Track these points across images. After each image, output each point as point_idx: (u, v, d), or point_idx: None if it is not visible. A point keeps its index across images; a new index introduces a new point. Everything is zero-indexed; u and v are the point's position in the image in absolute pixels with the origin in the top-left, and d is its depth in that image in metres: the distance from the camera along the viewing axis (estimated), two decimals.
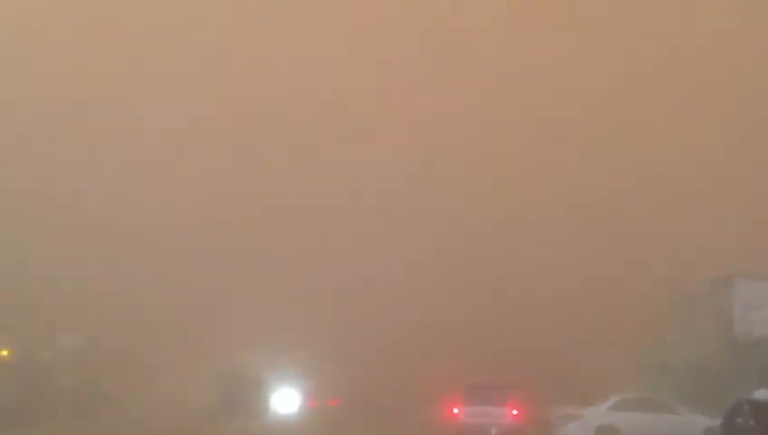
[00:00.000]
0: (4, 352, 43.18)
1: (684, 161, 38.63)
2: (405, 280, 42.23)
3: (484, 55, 43.77)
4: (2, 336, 41.65)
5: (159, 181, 43.95)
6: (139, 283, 41.50)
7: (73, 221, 43.36)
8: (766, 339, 27.55)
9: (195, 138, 44.32)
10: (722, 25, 39.98)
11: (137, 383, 38.49)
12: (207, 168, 44.11)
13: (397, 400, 45.36)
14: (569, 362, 34.62)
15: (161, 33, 44.28)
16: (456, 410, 26.94)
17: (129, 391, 36.92)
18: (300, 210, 43.87)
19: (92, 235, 43.25)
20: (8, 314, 39.86)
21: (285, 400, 54.07)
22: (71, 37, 44.51)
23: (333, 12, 44.96)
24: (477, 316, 39.84)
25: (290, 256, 43.09)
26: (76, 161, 44.28)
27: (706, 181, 38.88)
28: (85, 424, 26.19)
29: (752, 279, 29.47)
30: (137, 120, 44.18)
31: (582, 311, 36.30)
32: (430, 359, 39.97)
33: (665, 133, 40.16)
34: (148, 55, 44.68)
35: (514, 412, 26.31)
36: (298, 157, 43.99)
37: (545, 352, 35.70)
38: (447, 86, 43.54)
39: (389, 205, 43.68)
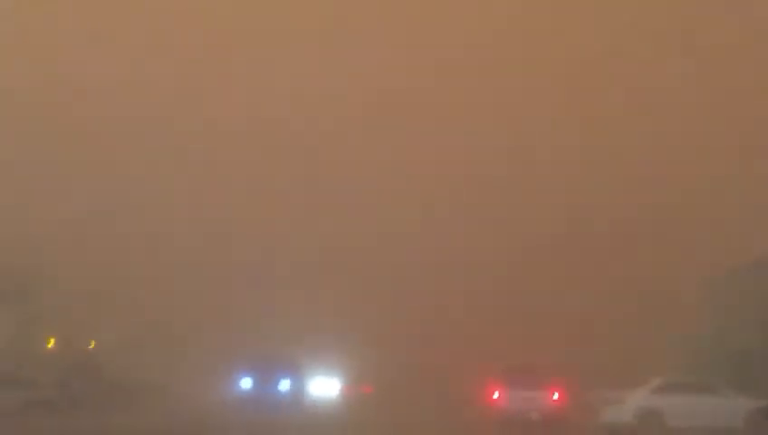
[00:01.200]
0: (51, 342, 44.08)
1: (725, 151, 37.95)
2: (445, 262, 42.24)
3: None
4: (50, 325, 42.51)
5: (215, 175, 44.33)
6: (184, 273, 42.03)
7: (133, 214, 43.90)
8: None
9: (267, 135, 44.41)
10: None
11: (181, 372, 39.04)
12: (263, 164, 44.35)
13: (436, 384, 45.56)
14: (611, 344, 34.36)
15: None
16: (496, 394, 26.81)
17: (174, 380, 37.43)
18: (340, 204, 44.00)
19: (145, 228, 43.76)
20: (57, 303, 40.62)
21: (324, 386, 54.69)
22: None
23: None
24: (517, 299, 39.71)
25: (330, 246, 43.33)
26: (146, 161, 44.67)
27: (749, 167, 38.18)
28: (130, 413, 26.59)
29: None
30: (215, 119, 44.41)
31: (624, 293, 35.97)
32: (471, 342, 39.96)
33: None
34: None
35: (555, 396, 26.08)
36: (344, 149, 44.03)
37: (585, 335, 35.49)
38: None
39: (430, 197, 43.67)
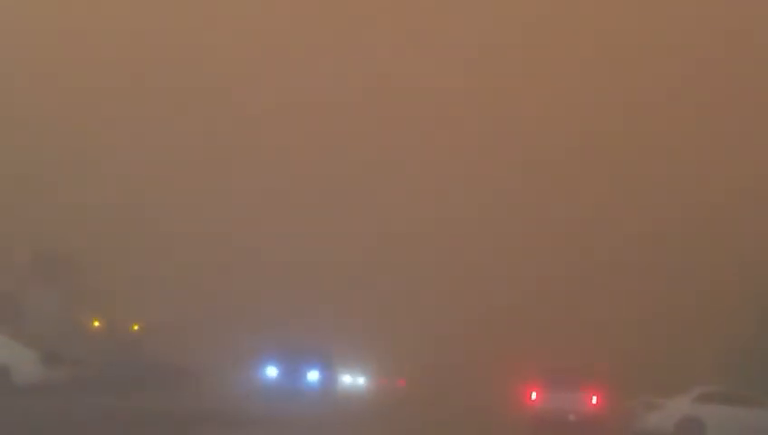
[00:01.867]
0: (96, 323, 44.97)
1: None
2: (485, 264, 42.10)
3: None
4: (96, 307, 43.36)
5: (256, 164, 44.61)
6: (226, 266, 42.48)
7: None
8: None
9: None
10: None
11: (220, 358, 39.51)
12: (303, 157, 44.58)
13: (474, 384, 45.43)
14: (651, 350, 33.95)
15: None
16: (533, 395, 26.67)
17: (211, 366, 37.85)
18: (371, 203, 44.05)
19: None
20: (103, 286, 41.35)
21: (354, 378, 54.70)
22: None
23: None
24: (557, 302, 39.44)
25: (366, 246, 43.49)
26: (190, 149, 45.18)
27: None
28: (170, 395, 26.99)
29: None
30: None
31: (666, 300, 35.50)
32: (510, 344, 39.80)
33: None
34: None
35: (594, 399, 25.85)
36: (380, 146, 44.08)
37: (626, 339, 35.11)
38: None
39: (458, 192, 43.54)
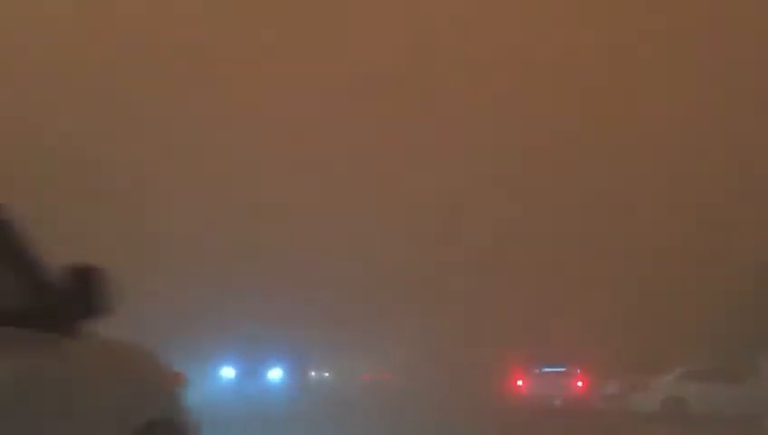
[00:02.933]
0: None
1: None
2: (467, 250, 42.28)
3: None
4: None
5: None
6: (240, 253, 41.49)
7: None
8: None
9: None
10: None
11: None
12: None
13: (461, 372, 45.67)
14: (635, 332, 34.34)
15: None
16: (519, 382, 26.96)
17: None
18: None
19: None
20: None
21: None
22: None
23: None
24: (539, 287, 39.71)
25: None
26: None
27: None
28: None
29: None
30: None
31: (651, 283, 35.83)
32: (494, 330, 40.07)
33: None
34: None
35: (579, 383, 26.20)
36: (394, 134, 43.66)
37: (610, 322, 35.47)
38: None
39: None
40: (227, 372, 26.80)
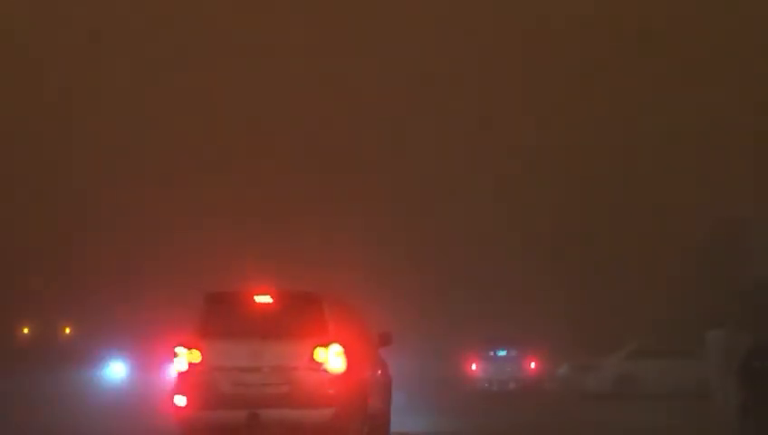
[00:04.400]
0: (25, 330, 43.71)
1: None
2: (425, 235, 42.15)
3: None
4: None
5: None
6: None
7: None
8: None
9: None
10: None
11: None
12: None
13: (414, 357, 45.60)
14: (583, 311, 34.65)
15: None
16: (473, 366, 27.00)
17: None
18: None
19: None
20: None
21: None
22: None
23: None
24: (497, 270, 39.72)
25: None
26: None
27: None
28: None
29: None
30: None
31: (603, 269, 36.14)
32: (446, 314, 40.04)
33: None
34: None
35: (532, 365, 26.35)
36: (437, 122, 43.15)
37: (563, 306, 35.72)
38: None
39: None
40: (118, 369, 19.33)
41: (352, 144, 44.41)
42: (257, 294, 10.51)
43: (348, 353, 10.19)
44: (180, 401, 10.09)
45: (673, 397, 20.30)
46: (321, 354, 10.10)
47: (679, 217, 34.67)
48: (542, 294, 36.48)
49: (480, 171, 42.93)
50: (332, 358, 10.12)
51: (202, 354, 10.19)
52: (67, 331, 44.23)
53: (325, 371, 10.06)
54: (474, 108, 42.92)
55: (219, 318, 10.42)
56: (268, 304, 10.47)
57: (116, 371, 23.05)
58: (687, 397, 19.90)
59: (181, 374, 10.25)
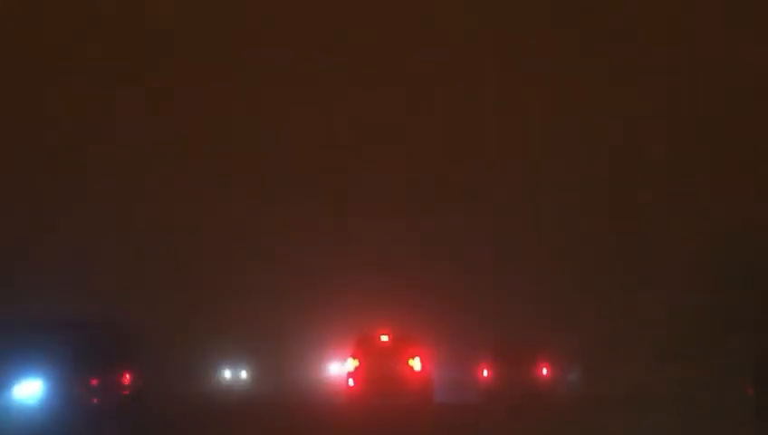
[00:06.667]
0: None
1: None
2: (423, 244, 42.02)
3: None
4: None
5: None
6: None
7: None
8: None
9: None
10: None
11: None
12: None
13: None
14: (599, 320, 34.42)
15: None
16: (485, 372, 26.77)
17: None
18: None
19: None
20: None
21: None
22: None
23: None
24: (503, 276, 39.53)
25: None
26: None
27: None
28: None
29: None
30: None
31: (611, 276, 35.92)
32: (457, 321, 39.83)
33: None
34: None
35: (544, 371, 26.07)
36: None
37: (574, 311, 35.52)
38: None
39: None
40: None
41: None
42: (381, 335, 22.71)
43: (422, 361, 22.42)
44: (351, 383, 22.23)
45: (687, 400, 20.08)
46: (411, 362, 22.10)
47: (693, 220, 34.42)
48: (551, 296, 36.28)
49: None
50: (416, 363, 22.23)
51: (359, 362, 22.27)
52: None
53: (413, 369, 22.14)
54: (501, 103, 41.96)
55: (366, 346, 22.51)
56: (387, 339, 22.60)
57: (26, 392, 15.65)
58: (702, 400, 19.67)
59: (350, 372, 22.37)
